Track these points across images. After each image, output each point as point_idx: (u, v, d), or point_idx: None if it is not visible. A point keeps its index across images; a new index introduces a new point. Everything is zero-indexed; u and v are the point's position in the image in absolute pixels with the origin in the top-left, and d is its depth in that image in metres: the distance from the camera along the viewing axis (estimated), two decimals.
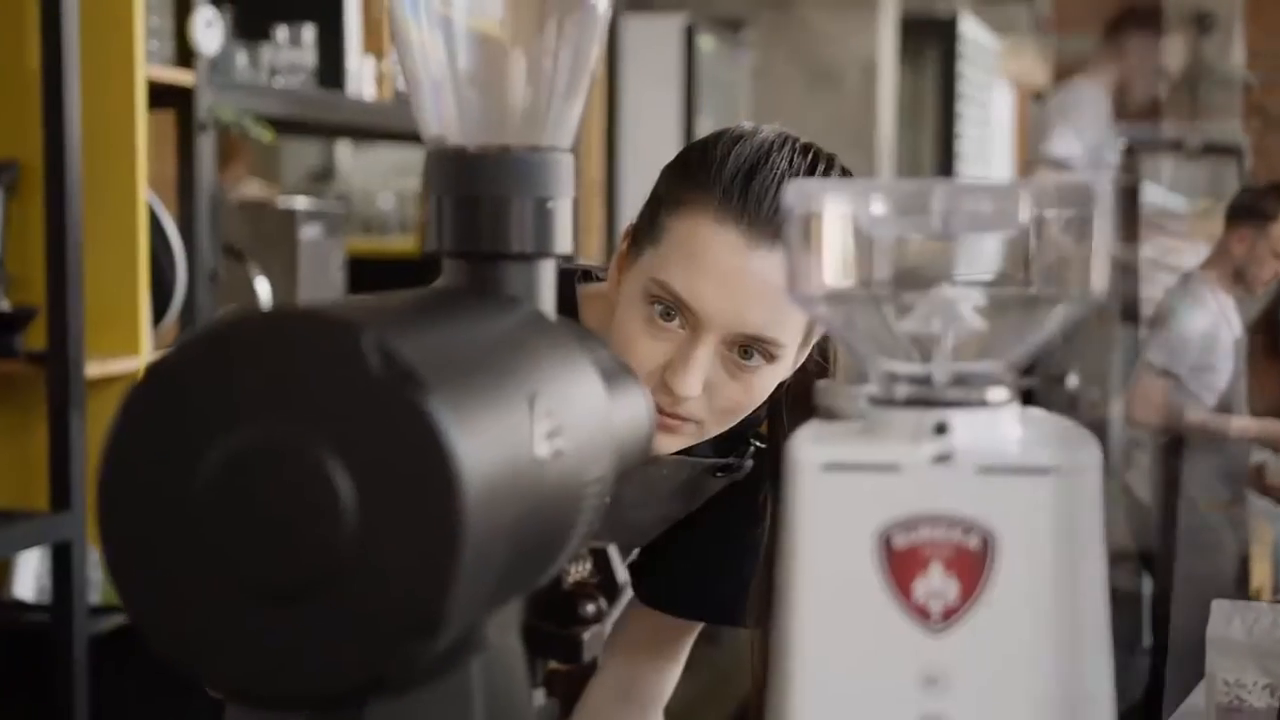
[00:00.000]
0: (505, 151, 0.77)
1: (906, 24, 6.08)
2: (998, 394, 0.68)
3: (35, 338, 2.34)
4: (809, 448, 0.67)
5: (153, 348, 2.51)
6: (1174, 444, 4.25)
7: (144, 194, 2.43)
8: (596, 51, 0.80)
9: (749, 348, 1.23)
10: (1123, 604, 4.08)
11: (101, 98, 2.39)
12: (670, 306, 1.22)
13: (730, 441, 1.36)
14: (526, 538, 0.66)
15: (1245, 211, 4.30)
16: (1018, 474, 0.65)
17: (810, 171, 1.25)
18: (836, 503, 0.66)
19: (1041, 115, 4.44)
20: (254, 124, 2.65)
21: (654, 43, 5.18)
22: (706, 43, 5.48)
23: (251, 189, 3.67)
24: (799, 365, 1.31)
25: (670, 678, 1.54)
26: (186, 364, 0.61)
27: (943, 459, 0.66)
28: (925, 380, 0.69)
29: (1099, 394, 4.16)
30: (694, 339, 1.22)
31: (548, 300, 0.78)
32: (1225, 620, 1.90)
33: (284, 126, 3.06)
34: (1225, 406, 4.21)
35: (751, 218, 1.20)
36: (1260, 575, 4.32)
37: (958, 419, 0.67)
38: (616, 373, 0.81)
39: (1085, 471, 0.66)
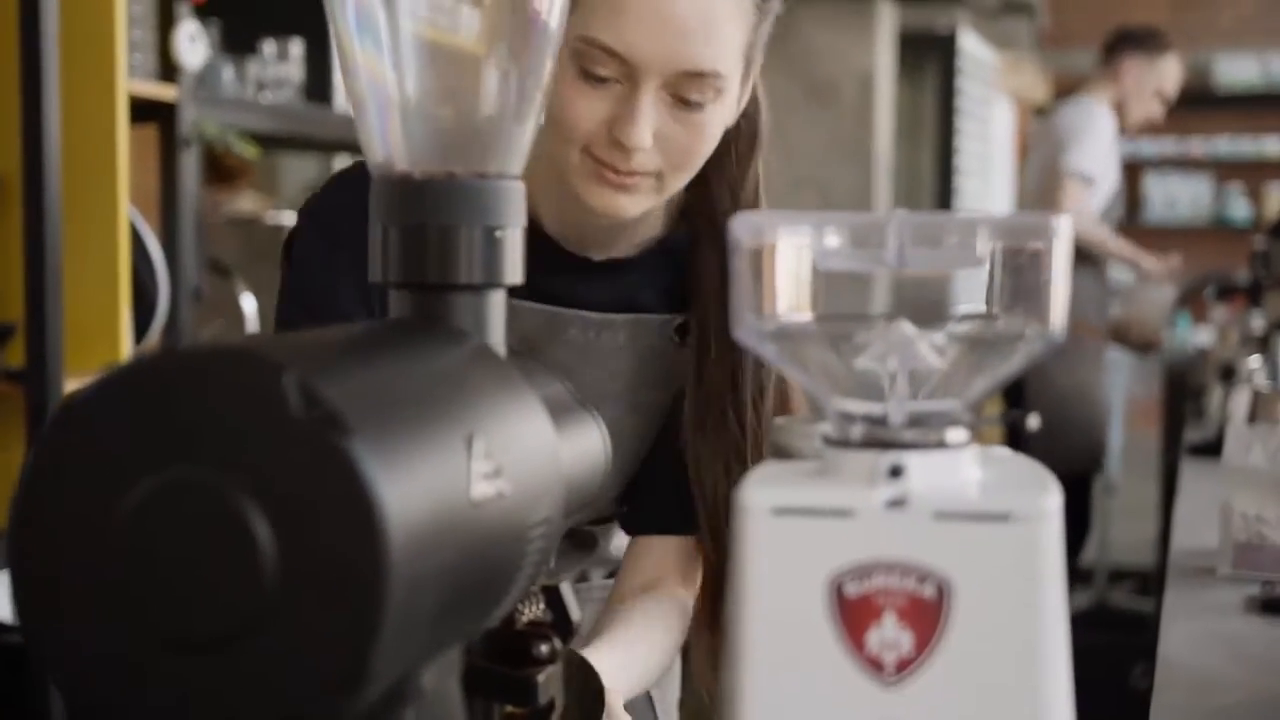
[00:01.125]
0: (452, 178, 0.74)
1: (905, 39, 6.05)
2: (956, 435, 0.66)
3: (14, 355, 2.31)
4: (758, 491, 0.64)
5: None
6: None
7: (125, 209, 2.40)
8: (548, 72, 0.78)
9: (690, 87, 1.18)
10: None
11: (82, 112, 2.36)
12: (601, 63, 1.17)
13: (683, 299, 1.35)
14: (463, 584, 0.63)
15: (1135, 43, 4.37)
16: (975, 520, 0.62)
17: None
18: (786, 549, 0.63)
19: (1047, 130, 4.42)
20: (238, 140, 2.63)
21: None
22: None
23: (246, 203, 3.65)
24: (742, 108, 1.28)
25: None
26: (104, 401, 0.58)
27: (897, 504, 0.63)
28: (881, 420, 0.66)
29: None
30: (633, 89, 1.18)
31: (497, 332, 0.75)
32: (1243, 447, 1.81)
33: (272, 141, 3.03)
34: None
35: None
36: None
37: (914, 461, 0.64)
38: (567, 407, 0.78)
39: (1046, 518, 0.63)
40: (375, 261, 0.75)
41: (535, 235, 1.28)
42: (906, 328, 0.66)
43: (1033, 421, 0.61)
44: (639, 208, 1.24)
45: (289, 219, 3.03)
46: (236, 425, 0.56)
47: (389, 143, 0.75)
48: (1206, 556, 1.84)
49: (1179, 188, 9.77)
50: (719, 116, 1.22)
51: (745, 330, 0.67)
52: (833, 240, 0.66)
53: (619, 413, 1.34)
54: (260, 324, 2.81)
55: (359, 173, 1.26)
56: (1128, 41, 4.39)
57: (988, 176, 7.92)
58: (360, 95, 0.76)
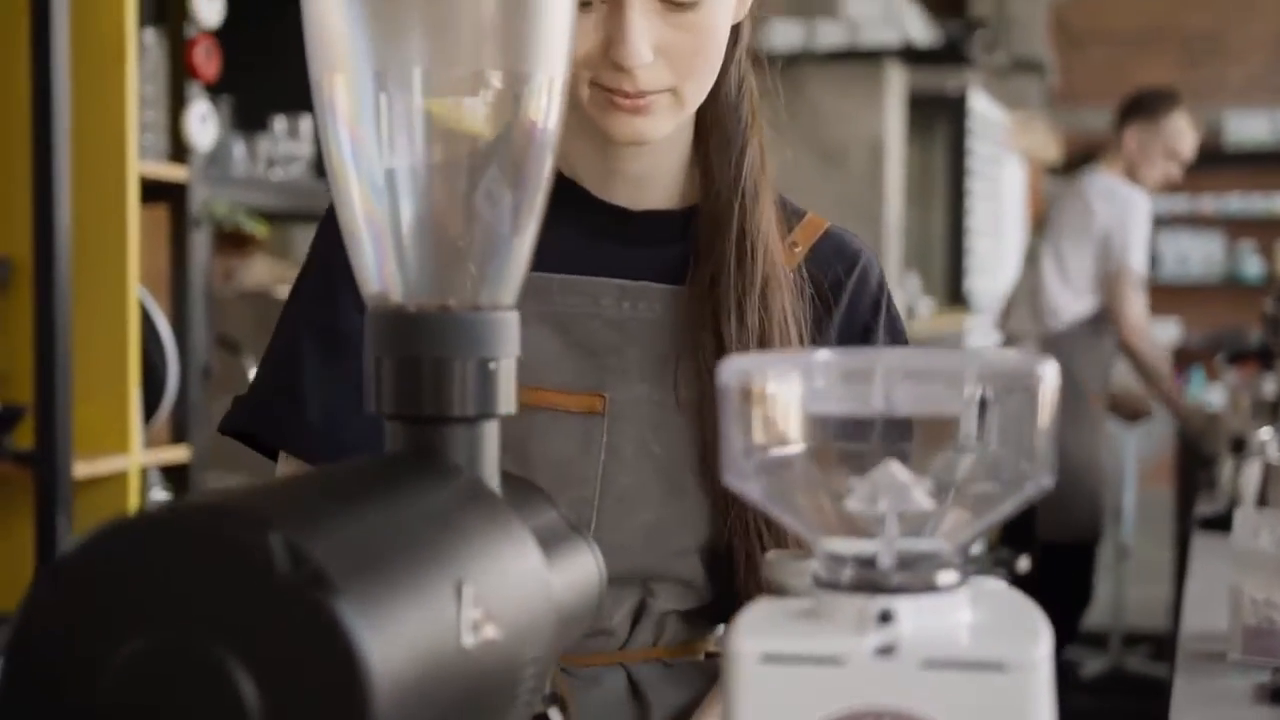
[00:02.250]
0: (446, 311, 0.75)
1: (915, 100, 6.08)
2: (946, 577, 0.65)
3: (23, 437, 2.32)
4: (748, 638, 0.64)
5: (143, 446, 2.49)
6: (1071, 334, 4.35)
7: (135, 290, 2.42)
8: (541, 201, 0.78)
9: None
10: None
11: (93, 194, 2.38)
12: None
13: None
14: None
15: (1136, 108, 4.38)
16: (966, 669, 0.62)
17: None
18: (777, 696, 0.63)
19: (1083, 211, 4.36)
20: (247, 219, 2.64)
21: None
22: None
23: (260, 269, 3.66)
24: (745, 3, 1.21)
25: None
26: (90, 561, 0.58)
27: (886, 651, 0.63)
28: (871, 562, 0.66)
29: None
30: (616, 6, 1.11)
31: (490, 463, 0.75)
32: (1252, 531, 1.79)
33: (282, 216, 3.05)
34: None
35: None
36: None
37: (904, 606, 0.64)
38: (559, 535, 0.79)
39: (1037, 666, 0.62)
40: (370, 391, 0.75)
41: (569, 190, 1.24)
42: (896, 469, 0.66)
43: (1023, 564, 0.61)
44: (663, 128, 1.16)
45: None
46: (223, 584, 0.56)
47: (384, 275, 0.76)
48: (1217, 640, 1.83)
49: (1191, 245, 9.78)
50: (719, 11, 1.14)
51: (733, 472, 0.67)
52: (820, 383, 0.66)
53: (663, 401, 1.20)
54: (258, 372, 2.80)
55: None
56: (1130, 108, 4.42)
57: (999, 236, 7.93)
58: (355, 227, 0.76)
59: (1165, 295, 9.87)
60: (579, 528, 0.81)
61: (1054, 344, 4.40)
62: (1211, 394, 8.54)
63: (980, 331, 7.08)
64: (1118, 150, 4.41)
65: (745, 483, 0.67)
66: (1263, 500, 2.67)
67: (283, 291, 3.14)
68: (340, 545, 0.59)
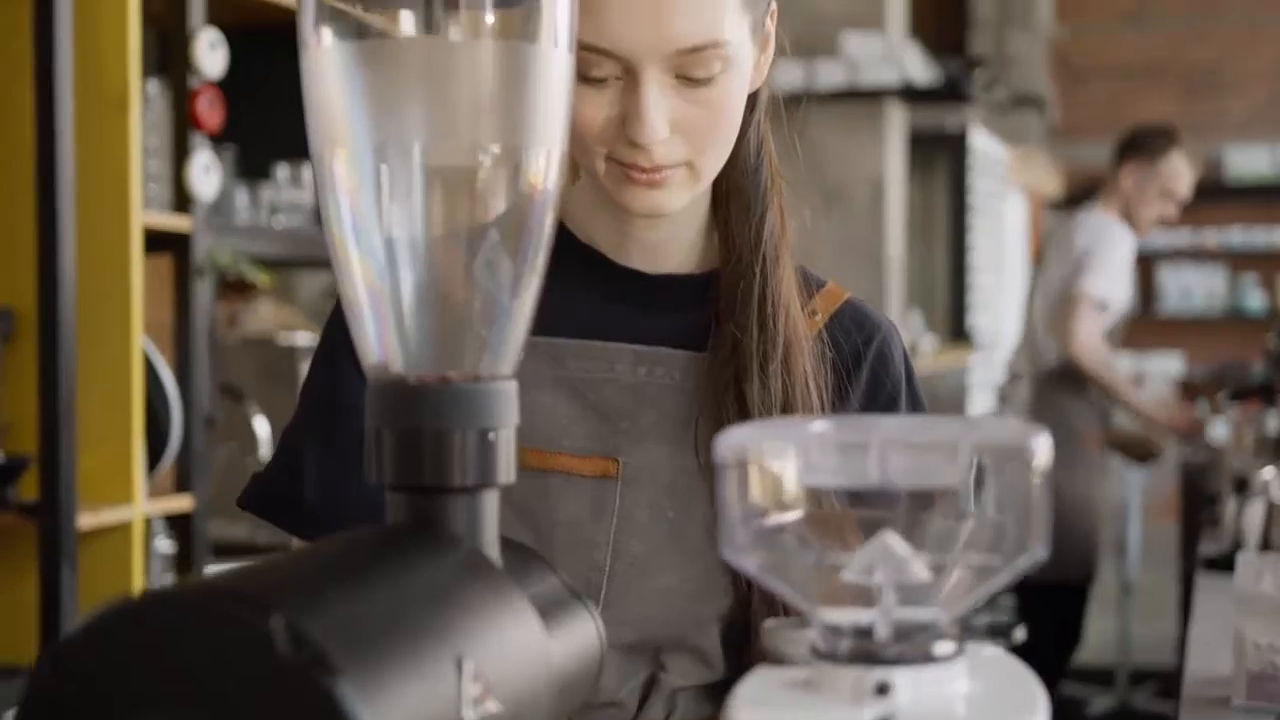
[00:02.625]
0: (446, 383, 0.75)
1: (916, 138, 6.10)
2: (944, 648, 0.66)
3: (27, 488, 2.32)
4: (746, 709, 0.64)
5: (146, 495, 2.49)
6: (1061, 374, 4.34)
7: (139, 341, 2.42)
8: (540, 270, 0.79)
9: (693, 65, 1.10)
10: None
11: (97, 244, 2.39)
12: (594, 64, 1.10)
13: None
14: None
15: (1133, 148, 4.38)
16: None
17: None
18: None
19: (1065, 241, 4.41)
20: (250, 268, 2.65)
21: None
22: None
23: (265, 313, 3.67)
24: (762, 71, 1.20)
25: None
26: (92, 644, 0.59)
27: None
28: (868, 632, 0.67)
29: None
30: (632, 83, 1.10)
31: (490, 532, 0.76)
32: (1254, 575, 1.78)
33: (286, 262, 3.06)
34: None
35: None
36: None
37: (901, 678, 0.64)
38: (559, 601, 0.79)
39: None
40: (370, 461, 0.76)
41: (587, 255, 1.25)
42: (892, 540, 0.67)
43: (1019, 634, 0.61)
44: (679, 201, 1.16)
45: (302, 339, 3.05)
46: (225, 667, 0.57)
47: (384, 346, 0.77)
48: (1221, 685, 1.83)
49: (1193, 279, 9.79)
50: (735, 85, 1.13)
51: (730, 544, 0.67)
52: (816, 455, 0.66)
53: (684, 466, 1.19)
54: (273, 446, 2.82)
55: None
56: (1127, 146, 4.44)
57: (1001, 272, 7.95)
58: (355, 298, 0.77)
59: (1168, 329, 9.89)
60: (580, 594, 0.82)
61: (1045, 383, 4.41)
62: (1215, 428, 8.53)
63: (983, 368, 7.09)
64: (1114, 188, 4.42)
65: (742, 555, 0.68)
66: (1266, 541, 2.67)
67: (286, 338, 3.15)
68: (340, 625, 0.59)
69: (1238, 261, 9.79)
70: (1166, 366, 9.80)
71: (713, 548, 1.17)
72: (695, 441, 1.18)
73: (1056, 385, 4.36)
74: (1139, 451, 4.81)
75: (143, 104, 2.48)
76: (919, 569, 0.66)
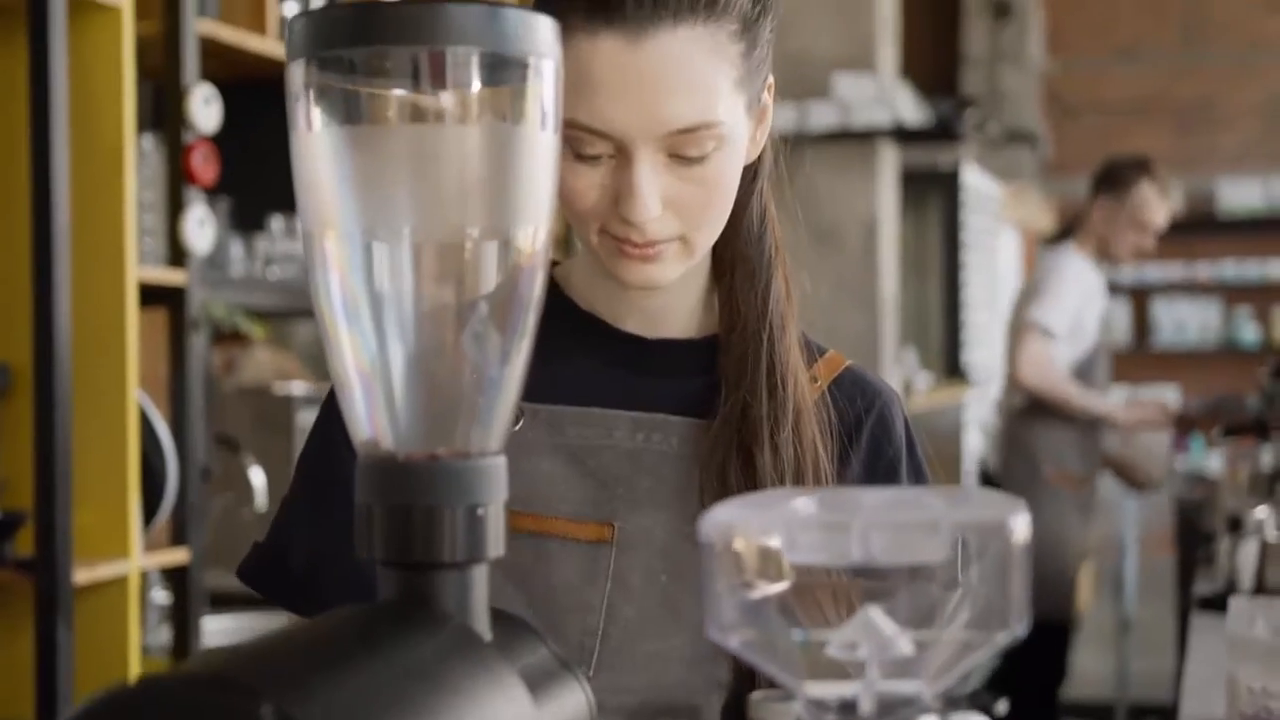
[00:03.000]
0: (435, 460, 0.76)
1: (908, 176, 6.13)
2: None
3: (23, 543, 2.33)
4: None
5: (143, 550, 2.50)
6: (1027, 411, 4.32)
7: (134, 395, 2.43)
8: (527, 348, 0.80)
9: (686, 144, 1.10)
10: None
11: (93, 299, 2.40)
12: (588, 143, 1.10)
13: None
14: None
15: (1102, 181, 4.37)
16: None
17: None
18: None
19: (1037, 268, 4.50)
20: (245, 320, 2.67)
21: None
22: None
23: (261, 359, 3.68)
24: (759, 143, 1.20)
25: None
26: None
27: None
28: (852, 706, 0.67)
29: None
30: (625, 161, 1.10)
31: (479, 606, 0.77)
32: (1247, 619, 1.78)
33: (281, 313, 3.08)
34: (1083, 379, 4.34)
35: (624, 10, 1.08)
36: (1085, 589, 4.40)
37: None
38: (549, 673, 0.80)
39: None
40: (361, 537, 0.77)
41: (587, 322, 1.25)
42: (876, 616, 0.68)
43: (1001, 707, 0.62)
44: (672, 273, 1.16)
45: (298, 389, 3.06)
46: None
47: (374, 423, 0.78)
48: None
49: (1187, 312, 9.82)
50: (729, 162, 1.14)
51: (715, 622, 0.68)
52: (800, 535, 0.68)
53: (680, 531, 1.19)
54: (269, 497, 2.83)
55: None
56: (1098, 180, 4.44)
57: (995, 307, 7.97)
58: (345, 376, 0.78)
59: (1163, 362, 9.91)
60: (570, 664, 0.83)
61: (1014, 420, 4.42)
62: (1210, 461, 8.54)
63: (978, 404, 7.10)
64: (1088, 223, 4.43)
65: (727, 632, 0.69)
66: (1260, 581, 2.68)
67: (282, 387, 3.16)
68: (330, 710, 0.60)
69: (1232, 294, 9.82)
70: (1162, 399, 9.82)
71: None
72: (699, 508, 1.18)
73: (1025, 421, 4.36)
74: (1135, 479, 4.81)
75: (138, 159, 2.50)
76: (903, 644, 0.67)
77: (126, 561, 2.43)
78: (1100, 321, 4.45)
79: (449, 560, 0.75)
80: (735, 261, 1.24)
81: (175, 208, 2.58)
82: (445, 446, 0.77)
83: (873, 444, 1.25)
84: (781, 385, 1.19)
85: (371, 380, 0.77)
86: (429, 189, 0.77)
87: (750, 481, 1.18)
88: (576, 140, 1.10)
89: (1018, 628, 0.67)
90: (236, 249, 2.84)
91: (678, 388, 1.23)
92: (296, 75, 0.76)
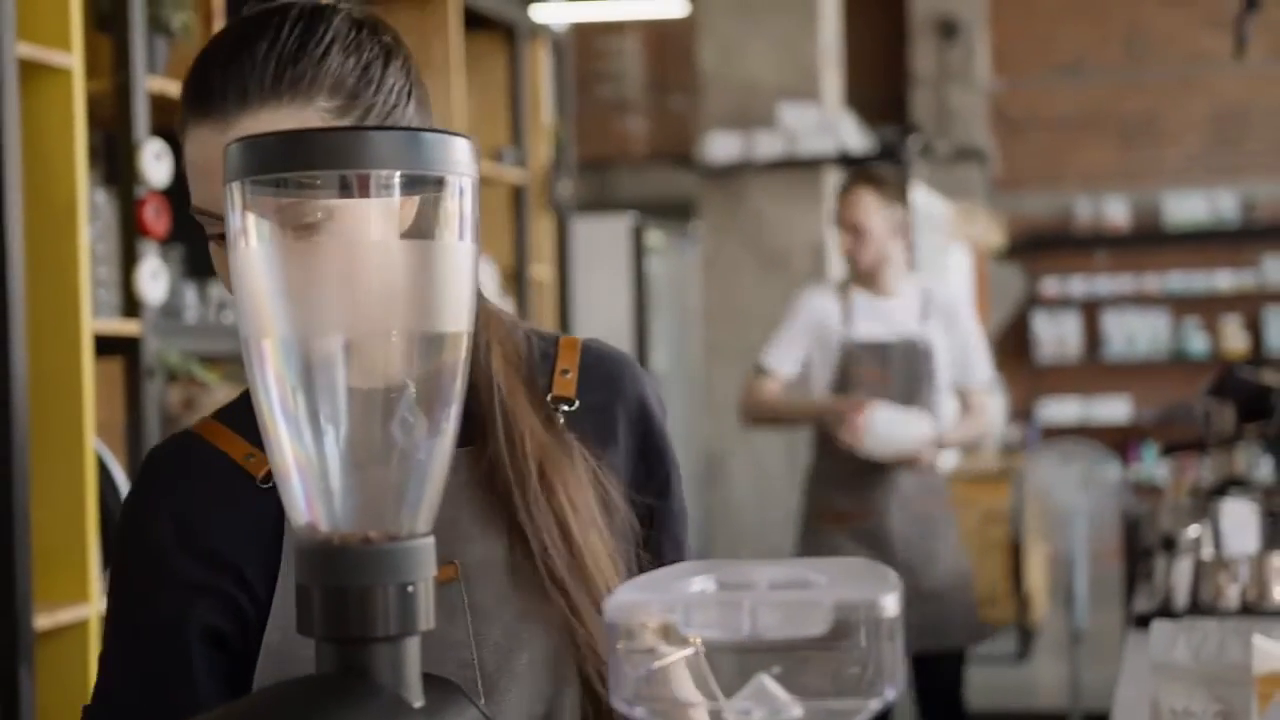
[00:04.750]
0: (368, 543, 0.84)
1: None
2: None
3: None
4: None
5: (102, 594, 2.55)
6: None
7: (91, 443, 2.49)
8: (452, 438, 0.87)
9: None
10: None
11: (49, 351, 2.45)
12: (208, 223, 1.16)
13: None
14: None
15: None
16: None
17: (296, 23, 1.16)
18: None
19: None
20: (199, 369, 2.73)
21: (605, 239, 5.34)
22: (655, 237, 5.63)
23: (220, 397, 3.72)
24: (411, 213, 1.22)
25: None
26: None
27: None
28: None
29: None
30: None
31: (412, 674, 0.84)
32: (1169, 642, 1.85)
33: (236, 358, 3.13)
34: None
35: (212, 101, 1.14)
36: None
37: None
38: None
39: None
40: (301, 615, 0.84)
41: None
42: (768, 684, 0.75)
43: None
44: None
45: None
46: None
47: (311, 509, 0.85)
48: None
49: (1137, 324, 9.96)
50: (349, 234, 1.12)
51: (619, 694, 0.76)
52: (697, 614, 0.75)
53: (510, 546, 1.24)
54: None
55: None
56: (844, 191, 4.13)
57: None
58: (284, 467, 0.85)
59: (1114, 374, 10.05)
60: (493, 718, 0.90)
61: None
62: (1160, 470, 8.64)
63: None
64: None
65: (631, 703, 0.76)
66: (1194, 600, 2.76)
67: None
68: None
69: (1179, 306, 9.97)
70: (1114, 410, 9.96)
71: (548, 611, 1.23)
72: (515, 525, 1.24)
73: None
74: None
75: (91, 213, 2.56)
76: (794, 709, 0.75)
77: (87, 606, 2.48)
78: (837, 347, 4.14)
79: (382, 634, 0.83)
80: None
81: (129, 260, 2.63)
82: (377, 529, 0.84)
83: (634, 425, 1.31)
84: (520, 441, 1.24)
85: (307, 470, 0.85)
86: (357, 297, 0.84)
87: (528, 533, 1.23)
88: (205, 223, 1.17)
89: (888, 693, 0.75)
90: (190, 296, 2.89)
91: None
92: (234, 196, 0.84)
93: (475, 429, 1.26)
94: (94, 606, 2.48)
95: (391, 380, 0.85)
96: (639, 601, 0.76)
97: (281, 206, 0.86)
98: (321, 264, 0.85)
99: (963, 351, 4.05)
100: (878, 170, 4.17)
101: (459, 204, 0.85)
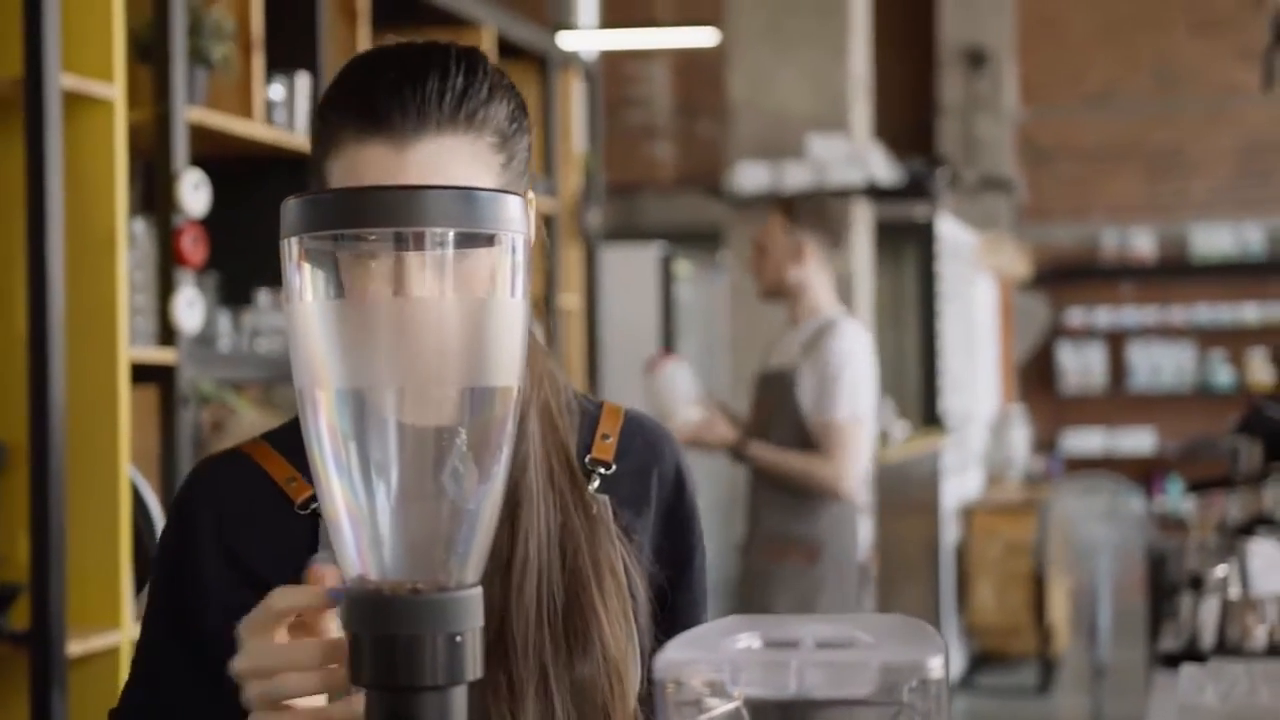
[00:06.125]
0: (416, 594, 0.85)
1: (883, 229, 6.23)
2: None
3: (18, 617, 2.40)
4: None
5: (134, 620, 2.57)
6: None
7: (126, 470, 2.51)
8: (500, 491, 0.88)
9: None
10: None
11: (86, 378, 2.48)
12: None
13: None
14: None
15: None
16: None
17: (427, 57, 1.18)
18: None
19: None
20: (232, 397, 2.75)
21: (633, 268, 5.36)
22: (684, 267, 5.65)
23: (249, 420, 3.73)
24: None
25: None
26: None
27: None
28: None
29: None
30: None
31: None
32: (1197, 687, 1.85)
33: (269, 383, 3.16)
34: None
35: (391, 120, 1.14)
36: None
37: None
38: None
39: None
40: (351, 664, 0.85)
41: None
42: None
43: None
44: None
45: None
46: None
47: (362, 560, 0.86)
48: None
49: (1162, 356, 9.92)
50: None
51: None
52: (744, 672, 0.76)
53: None
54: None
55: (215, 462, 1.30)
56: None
57: (973, 353, 8.06)
58: (336, 517, 0.87)
59: (1139, 405, 10.01)
60: None
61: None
62: (1186, 504, 8.60)
63: (955, 450, 7.19)
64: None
65: None
66: (1221, 640, 2.75)
67: None
68: None
69: (1205, 338, 9.93)
70: (1138, 442, 9.93)
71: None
72: None
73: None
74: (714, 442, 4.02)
75: (129, 242, 2.59)
76: None
77: (119, 632, 2.50)
78: None
79: (430, 684, 0.84)
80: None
81: (165, 289, 2.66)
82: (426, 579, 0.86)
83: (667, 495, 1.31)
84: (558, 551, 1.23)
85: (359, 521, 0.86)
86: (410, 351, 0.86)
87: None
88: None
89: None
90: (224, 323, 2.92)
91: None
92: (291, 250, 0.85)
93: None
94: (126, 633, 2.50)
95: (442, 432, 0.87)
96: (687, 660, 0.77)
97: (338, 262, 0.88)
98: (375, 319, 0.86)
99: (820, 384, 3.85)
100: (800, 200, 4.16)
101: (511, 260, 0.86)
